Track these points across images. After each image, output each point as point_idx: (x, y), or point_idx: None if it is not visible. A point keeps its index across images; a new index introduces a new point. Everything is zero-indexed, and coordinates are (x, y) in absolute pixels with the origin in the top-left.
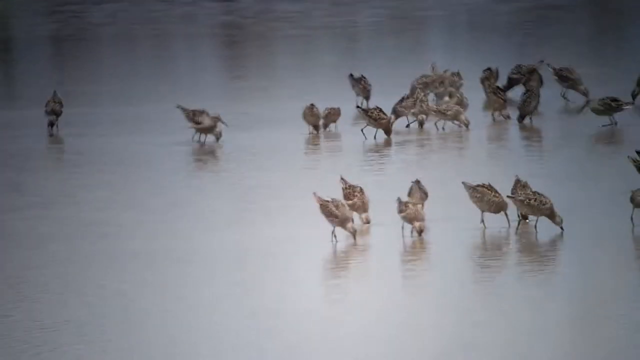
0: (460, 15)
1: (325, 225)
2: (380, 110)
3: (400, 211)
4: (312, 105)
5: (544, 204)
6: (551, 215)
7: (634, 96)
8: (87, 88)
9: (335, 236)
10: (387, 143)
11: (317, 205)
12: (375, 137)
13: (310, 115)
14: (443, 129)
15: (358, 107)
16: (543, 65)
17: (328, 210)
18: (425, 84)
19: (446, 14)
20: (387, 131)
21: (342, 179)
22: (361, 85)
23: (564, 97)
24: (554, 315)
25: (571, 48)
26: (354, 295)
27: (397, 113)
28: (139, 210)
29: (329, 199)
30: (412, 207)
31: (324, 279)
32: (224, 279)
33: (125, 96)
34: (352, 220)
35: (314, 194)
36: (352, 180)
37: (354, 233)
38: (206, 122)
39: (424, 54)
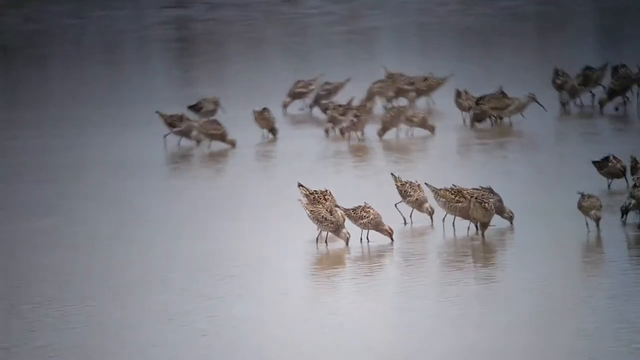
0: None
1: (293, 232)
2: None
3: (360, 217)
4: (264, 109)
5: (493, 210)
6: (486, 224)
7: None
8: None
9: (326, 242)
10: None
11: (307, 212)
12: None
13: (262, 119)
14: (412, 135)
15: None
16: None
17: (322, 216)
18: (329, 91)
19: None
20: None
21: (300, 185)
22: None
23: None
24: (507, 323)
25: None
26: (345, 301)
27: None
28: (124, 218)
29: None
30: (373, 212)
31: (312, 285)
32: (208, 287)
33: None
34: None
35: (300, 200)
36: (311, 186)
37: (347, 239)
38: (184, 125)
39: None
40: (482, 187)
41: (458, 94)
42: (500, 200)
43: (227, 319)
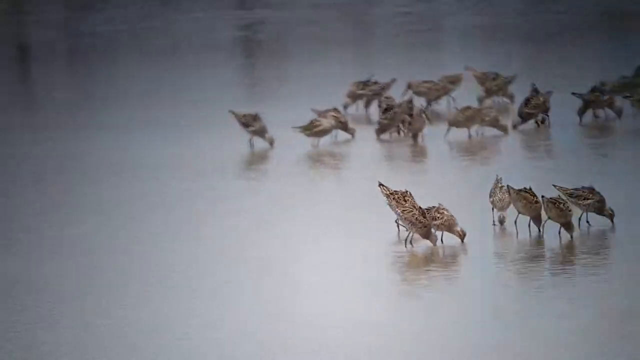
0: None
1: (348, 236)
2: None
3: (433, 219)
4: (335, 109)
5: (569, 210)
6: (570, 225)
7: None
8: (112, 91)
9: (411, 243)
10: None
11: (397, 212)
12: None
13: (338, 120)
14: (482, 134)
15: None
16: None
17: (415, 218)
18: (374, 92)
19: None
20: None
21: (381, 185)
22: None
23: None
24: (576, 326)
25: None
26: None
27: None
28: (146, 219)
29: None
30: (447, 214)
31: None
32: (233, 290)
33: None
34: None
35: (387, 201)
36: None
37: (435, 241)
38: (255, 126)
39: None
40: (583, 187)
41: (527, 101)
42: (599, 201)
43: (239, 323)
